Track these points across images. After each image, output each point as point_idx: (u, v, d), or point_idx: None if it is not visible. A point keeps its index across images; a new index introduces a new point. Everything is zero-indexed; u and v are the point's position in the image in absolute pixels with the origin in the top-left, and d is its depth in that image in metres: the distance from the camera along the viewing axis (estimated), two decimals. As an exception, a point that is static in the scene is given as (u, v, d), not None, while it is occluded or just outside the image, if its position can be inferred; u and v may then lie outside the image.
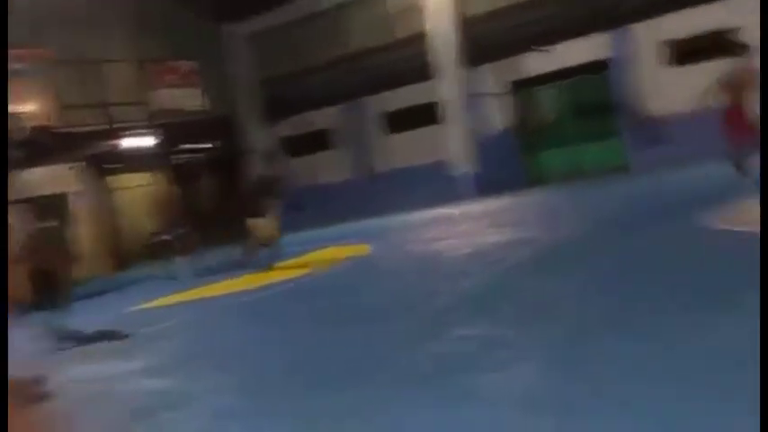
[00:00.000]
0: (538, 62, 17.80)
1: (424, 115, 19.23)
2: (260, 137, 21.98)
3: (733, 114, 8.79)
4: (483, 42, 18.05)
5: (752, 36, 14.71)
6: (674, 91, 15.88)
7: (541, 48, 17.46)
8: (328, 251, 12.51)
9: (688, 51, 16.04)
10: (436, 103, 18.78)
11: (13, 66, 15.73)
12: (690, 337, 3.98)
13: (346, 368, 4.89)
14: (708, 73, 16.02)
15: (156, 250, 14.57)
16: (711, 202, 8.36)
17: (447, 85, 18.55)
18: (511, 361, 4.21)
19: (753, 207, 7.85)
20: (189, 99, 20.06)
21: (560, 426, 3.13)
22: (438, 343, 5.01)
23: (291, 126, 21.70)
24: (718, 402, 3.01)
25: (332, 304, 7.60)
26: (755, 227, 6.66)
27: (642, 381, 3.42)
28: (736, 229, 6.79)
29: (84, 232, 18.32)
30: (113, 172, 19.83)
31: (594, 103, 17.57)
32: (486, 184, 17.59)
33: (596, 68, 17.21)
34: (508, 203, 15.09)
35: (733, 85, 8.84)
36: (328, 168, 21.20)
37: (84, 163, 19.00)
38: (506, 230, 10.34)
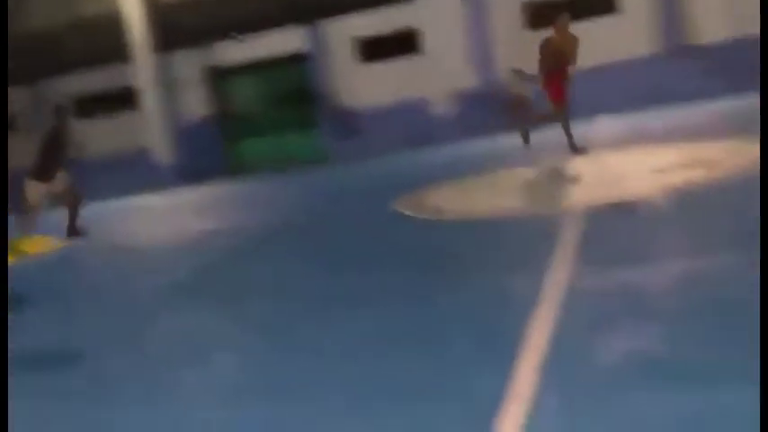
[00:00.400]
0: (235, 51, 17.91)
1: (120, 101, 18.40)
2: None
3: (551, 78, 9.87)
4: (177, 28, 17.69)
5: (433, 39, 16.47)
6: (367, 85, 16.97)
7: (236, 37, 17.58)
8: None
9: (374, 49, 17.22)
10: (126, 89, 18.07)
11: None
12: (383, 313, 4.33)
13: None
14: (395, 70, 17.43)
15: None
16: (401, 190, 9.11)
17: (140, 71, 17.89)
18: (214, 352, 4.24)
19: (435, 192, 8.79)
20: None
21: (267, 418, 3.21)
22: (146, 339, 4.87)
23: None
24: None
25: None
26: (435, 212, 7.47)
27: (338, 366, 3.63)
28: (417, 215, 7.48)
29: None
30: None
31: (292, 94, 18.13)
32: (187, 173, 17.33)
33: (293, 60, 17.75)
34: (210, 193, 15.03)
35: (550, 52, 9.94)
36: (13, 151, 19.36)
37: None
38: (208, 220, 10.32)
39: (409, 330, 3.94)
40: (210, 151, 17.99)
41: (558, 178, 8.90)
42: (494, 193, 8.40)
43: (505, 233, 6.12)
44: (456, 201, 8.37)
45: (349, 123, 17.11)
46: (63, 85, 18.92)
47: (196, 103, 18.45)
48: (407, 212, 7.70)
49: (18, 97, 19.22)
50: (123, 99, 18.34)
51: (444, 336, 3.74)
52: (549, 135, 10.99)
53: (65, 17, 18.47)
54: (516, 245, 5.66)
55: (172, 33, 17.72)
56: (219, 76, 18.36)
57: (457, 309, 4.15)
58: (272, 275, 6.14)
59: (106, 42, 17.85)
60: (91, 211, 13.31)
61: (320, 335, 4.14)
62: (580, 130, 10.53)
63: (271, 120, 18.22)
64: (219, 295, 5.76)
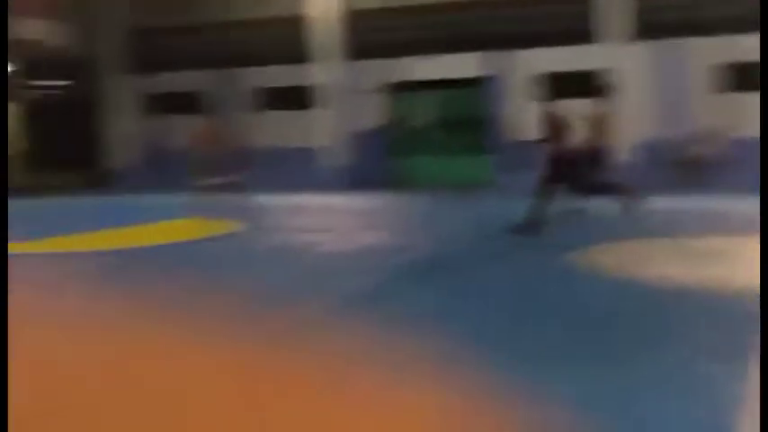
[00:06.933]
0: (417, 68, 18.17)
1: (300, 98, 19.10)
2: (122, 88, 20.94)
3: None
4: (366, 38, 18.19)
5: (619, 78, 16.07)
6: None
7: (423, 55, 17.85)
8: (193, 222, 12.07)
9: (556, 85, 16.95)
10: (310, 88, 18.74)
11: None
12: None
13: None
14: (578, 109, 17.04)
15: None
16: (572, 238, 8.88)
17: (324, 73, 18.54)
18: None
19: (615, 248, 8.47)
20: (50, 33, 18.73)
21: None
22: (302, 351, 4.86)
23: (159, 83, 20.79)
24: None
25: (194, 283, 7.27)
26: (621, 271, 7.17)
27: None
28: (600, 272, 7.21)
29: None
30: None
31: (466, 117, 18.17)
32: (354, 179, 17.74)
33: (472, 85, 17.81)
34: (377, 203, 15.26)
35: (591, 123, 9.67)
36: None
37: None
38: (381, 233, 10.46)
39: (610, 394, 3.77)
40: (378, 162, 18.33)
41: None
42: (683, 259, 7.98)
43: (704, 308, 5.78)
44: (643, 261, 7.99)
45: (520, 155, 16.95)
46: (251, 76, 19.82)
47: (372, 113, 18.87)
48: (584, 264, 7.48)
49: (205, 80, 20.34)
50: (305, 97, 18.99)
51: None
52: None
53: (263, 13, 19.41)
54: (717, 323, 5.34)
55: (360, 42, 18.27)
56: (398, 90, 18.69)
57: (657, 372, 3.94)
58: (447, 310, 6.00)
59: (297, 41, 18.61)
60: (257, 202, 13.91)
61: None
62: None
63: (442, 140, 18.36)
64: (385, 324, 5.64)
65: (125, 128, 21.02)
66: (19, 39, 17.95)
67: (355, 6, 18.55)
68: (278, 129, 19.34)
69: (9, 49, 17.73)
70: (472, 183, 17.40)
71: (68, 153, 20.12)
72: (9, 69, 18.15)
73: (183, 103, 20.45)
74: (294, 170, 18.09)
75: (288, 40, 18.98)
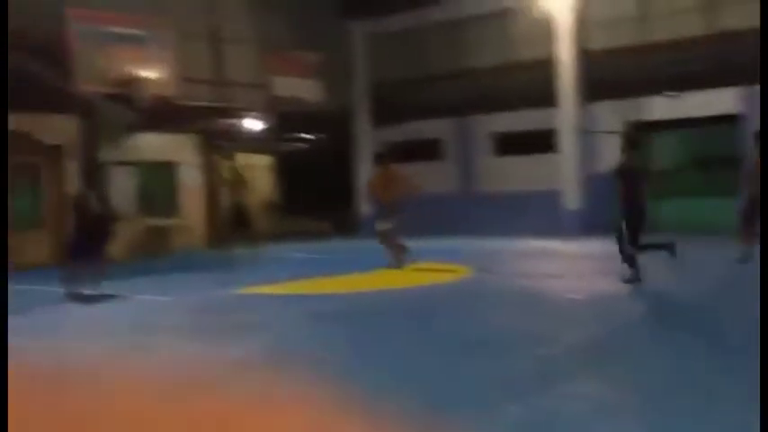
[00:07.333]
0: (660, 107, 17.18)
1: (535, 142, 18.85)
2: (367, 138, 22.06)
3: None
4: (605, 78, 17.57)
5: None
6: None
7: (670, 93, 16.81)
8: (424, 266, 12.24)
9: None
10: (551, 131, 18.38)
11: (135, 32, 16.11)
12: None
13: (440, 400, 4.65)
14: None
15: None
16: None
17: (562, 116, 18.17)
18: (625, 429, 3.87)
19: None
20: (306, 90, 20.25)
21: None
22: (542, 397, 4.69)
23: (400, 132, 21.63)
24: None
25: (426, 329, 7.35)
26: None
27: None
28: None
29: (187, 203, 18.77)
30: (224, 149, 20.36)
31: (718, 157, 16.78)
32: (592, 224, 17.06)
33: (723, 122, 16.45)
34: (615, 248, 14.46)
35: None
36: (432, 179, 21.01)
37: (196, 136, 19.53)
38: (611, 279, 9.89)
39: None
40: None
41: None
42: None
43: None
44: None
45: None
46: (487, 122, 19.94)
47: (613, 155, 18.09)
48: None
49: (446, 128, 20.79)
50: (542, 141, 18.70)
51: None
52: None
53: (500, 59, 19.53)
54: None
55: (598, 82, 17.69)
56: (641, 131, 17.74)
57: None
58: (688, 356, 5.50)
59: (535, 85, 18.43)
60: (495, 245, 13.73)
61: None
62: None
63: (691, 181, 17.10)
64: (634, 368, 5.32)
65: (369, 176, 22.01)
66: (276, 96, 19.62)
67: (591, 46, 18.04)
68: (514, 173, 19.20)
69: (267, 106, 19.46)
70: (725, 227, 15.91)
71: (319, 201, 21.44)
72: (267, 125, 19.87)
73: (424, 151, 21.06)
74: (531, 215, 17.78)
75: (526, 85, 18.86)
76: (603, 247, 14.48)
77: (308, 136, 22.16)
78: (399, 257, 12.05)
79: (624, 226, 9.35)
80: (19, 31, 15.06)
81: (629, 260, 9.34)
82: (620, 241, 9.41)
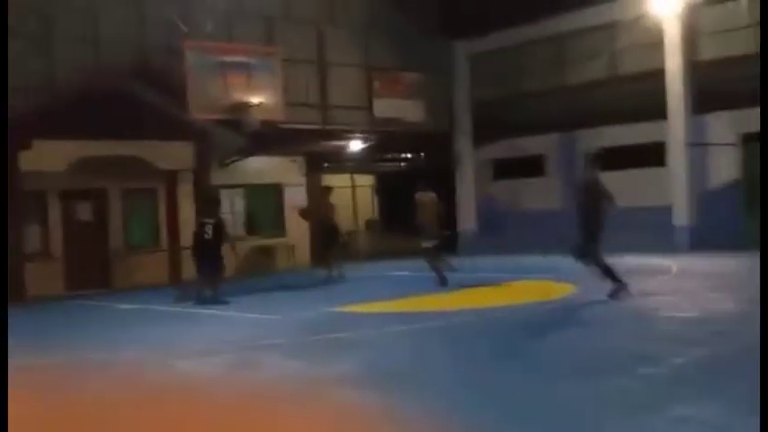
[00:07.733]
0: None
1: (640, 156, 18.34)
2: (469, 156, 22.05)
3: None
4: (715, 89, 16.92)
5: None
6: None
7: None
8: (528, 285, 12.14)
9: None
10: (656, 145, 17.88)
11: (244, 60, 16.79)
12: None
13: (547, 424, 4.62)
14: None
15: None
16: None
17: (670, 129, 17.62)
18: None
19: None
20: (410, 110, 20.49)
21: None
22: (653, 418, 4.58)
23: (501, 149, 21.52)
24: None
25: (532, 348, 7.30)
26: None
27: None
28: None
29: (292, 223, 19.30)
30: (328, 170, 20.85)
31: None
32: (703, 240, 16.44)
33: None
34: (729, 265, 13.91)
35: None
36: (535, 196, 20.77)
37: (302, 158, 20.08)
38: (732, 297, 9.52)
39: None
40: (730, 220, 16.74)
41: None
42: None
43: None
44: None
45: None
46: (593, 136, 19.55)
47: (725, 168, 17.41)
48: None
49: (548, 143, 20.53)
50: (651, 155, 18.19)
51: None
52: None
53: (606, 72, 19.16)
54: None
55: (708, 93, 17.08)
56: (755, 142, 17.00)
57: None
58: None
59: (642, 98, 17.97)
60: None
61: None
62: None
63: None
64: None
65: (470, 193, 22.03)
66: (379, 116, 19.93)
67: (701, 57, 17.46)
68: (621, 188, 18.70)
69: (370, 127, 19.75)
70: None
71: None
72: (369, 145, 20.18)
73: (527, 167, 20.89)
74: (637, 231, 17.26)
75: (633, 98, 18.39)
76: (714, 264, 14.00)
77: (409, 155, 22.36)
78: (442, 275, 12.54)
79: (587, 241, 9.62)
80: (139, 63, 16.00)
81: (607, 272, 9.60)
82: (590, 258, 9.70)
